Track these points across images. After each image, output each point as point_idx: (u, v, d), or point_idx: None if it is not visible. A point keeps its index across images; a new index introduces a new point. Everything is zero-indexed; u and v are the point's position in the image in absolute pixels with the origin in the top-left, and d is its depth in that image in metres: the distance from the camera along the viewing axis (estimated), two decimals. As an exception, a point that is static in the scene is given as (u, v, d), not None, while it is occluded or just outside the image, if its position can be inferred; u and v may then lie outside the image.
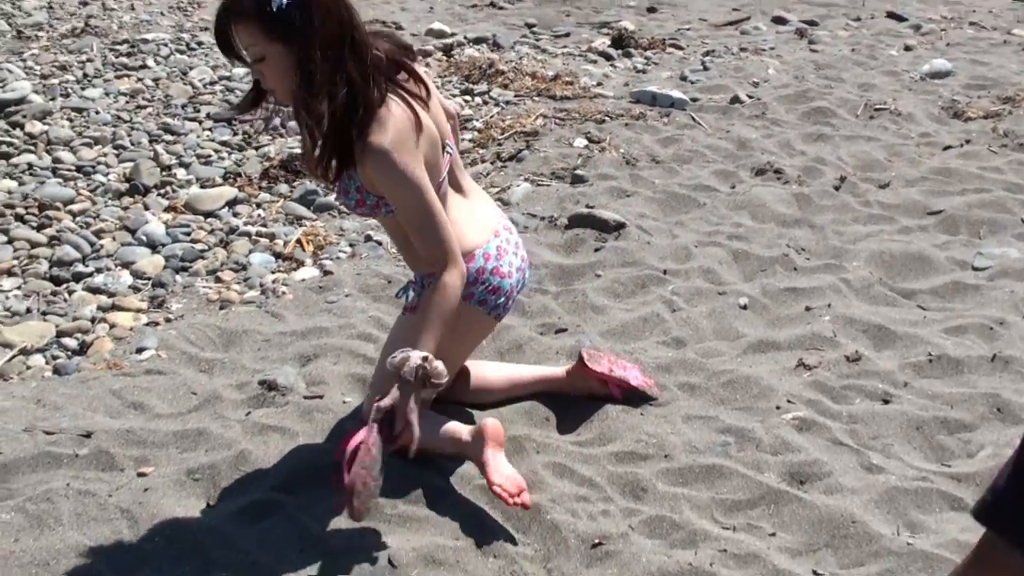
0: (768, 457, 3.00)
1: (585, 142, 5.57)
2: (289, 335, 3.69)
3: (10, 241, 4.35)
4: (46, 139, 5.27)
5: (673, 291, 4.00)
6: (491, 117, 6.02)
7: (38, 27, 7.38)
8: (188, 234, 4.53)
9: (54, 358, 3.63)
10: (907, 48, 7.82)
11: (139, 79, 6.21)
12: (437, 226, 2.66)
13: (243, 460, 2.94)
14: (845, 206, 4.82)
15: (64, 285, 4.13)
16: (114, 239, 4.45)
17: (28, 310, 3.92)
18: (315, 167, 2.65)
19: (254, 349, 3.63)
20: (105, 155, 5.19)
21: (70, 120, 5.52)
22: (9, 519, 2.68)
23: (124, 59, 6.57)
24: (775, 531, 2.73)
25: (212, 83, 6.24)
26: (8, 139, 5.20)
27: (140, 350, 3.59)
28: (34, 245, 4.35)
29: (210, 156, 5.27)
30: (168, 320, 3.87)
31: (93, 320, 3.86)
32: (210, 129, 5.59)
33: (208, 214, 4.75)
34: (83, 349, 3.69)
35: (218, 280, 4.20)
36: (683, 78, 6.89)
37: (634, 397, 3.27)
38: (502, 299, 2.91)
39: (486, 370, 3.24)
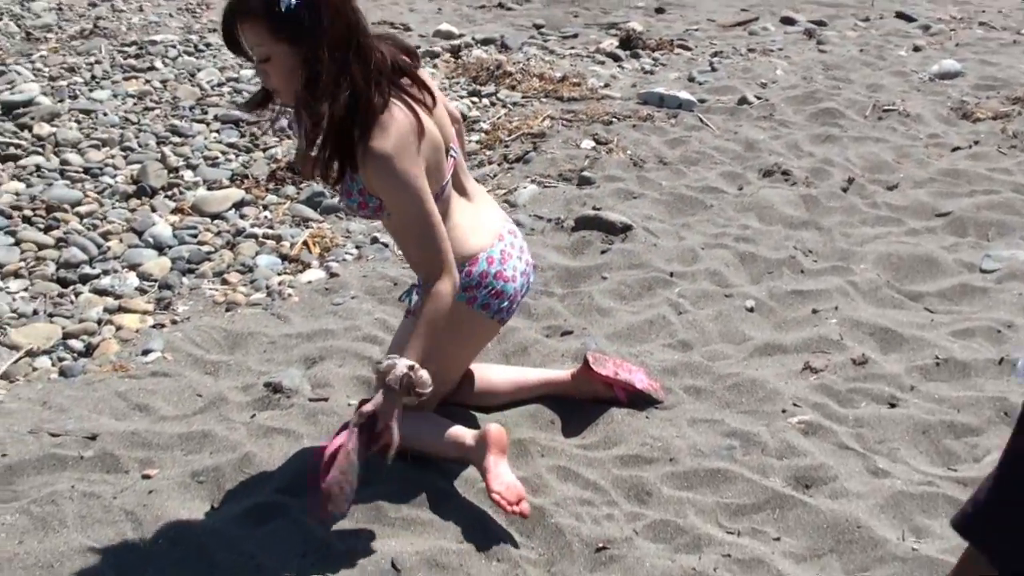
0: (773, 461, 2.99)
1: (592, 144, 5.56)
2: (295, 337, 3.70)
3: (17, 243, 4.36)
4: (54, 141, 5.28)
5: (679, 293, 3.99)
6: (498, 119, 6.02)
7: (47, 29, 7.39)
8: (195, 236, 4.53)
9: (60, 360, 3.64)
10: (916, 48, 7.79)
11: (147, 81, 6.23)
12: (433, 234, 2.65)
13: (247, 462, 2.94)
14: (853, 208, 4.81)
15: (71, 287, 4.13)
16: (121, 241, 4.46)
17: (35, 312, 3.93)
18: (311, 167, 2.65)
19: (259, 351, 3.63)
20: (113, 157, 5.20)
21: (78, 122, 5.53)
22: (14, 521, 2.69)
23: (132, 61, 6.58)
24: (780, 536, 2.72)
25: (220, 85, 6.25)
26: (16, 141, 5.21)
27: (146, 352, 3.60)
28: (41, 247, 4.36)
29: (217, 158, 5.28)
30: (174, 322, 3.87)
31: (99, 322, 3.87)
32: (217, 131, 5.60)
33: (215, 216, 4.75)
34: (89, 351, 3.69)
35: (224, 282, 4.20)
36: (691, 79, 6.88)
37: (639, 400, 3.27)
38: (505, 303, 2.91)
39: (491, 373, 3.23)
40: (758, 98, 6.39)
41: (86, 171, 5.04)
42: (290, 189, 5.03)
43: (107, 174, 5.03)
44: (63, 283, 4.16)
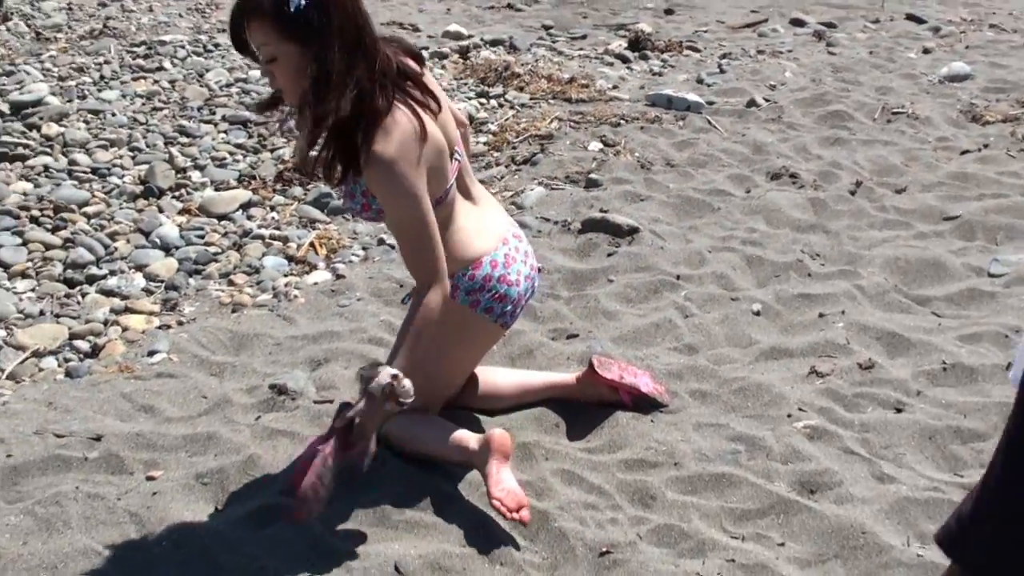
0: (778, 466, 2.98)
1: (600, 145, 5.55)
2: (300, 339, 3.70)
3: (25, 243, 4.37)
4: (62, 141, 5.29)
5: (686, 297, 3.98)
6: (506, 120, 6.01)
7: (57, 28, 7.41)
8: (202, 237, 4.54)
9: (66, 361, 3.65)
10: (926, 51, 7.77)
11: (155, 81, 6.24)
12: (428, 243, 2.65)
13: (252, 464, 2.94)
14: (861, 211, 4.79)
15: (78, 287, 4.14)
16: (128, 241, 4.47)
17: (41, 312, 3.94)
18: (312, 167, 2.65)
19: (265, 353, 3.63)
20: (120, 157, 5.21)
21: (86, 122, 5.54)
22: (18, 522, 2.69)
23: (141, 61, 6.59)
24: (784, 541, 2.71)
25: (228, 85, 6.26)
26: (25, 141, 5.22)
27: (151, 353, 3.60)
28: (48, 247, 4.37)
29: (225, 159, 5.28)
30: (180, 323, 3.88)
31: (106, 323, 3.88)
32: (225, 132, 5.61)
33: (222, 217, 4.76)
34: (95, 352, 3.70)
35: (231, 283, 4.20)
36: (699, 81, 6.87)
37: (644, 404, 3.26)
38: (509, 307, 2.91)
39: (496, 376, 3.23)
40: (767, 100, 6.38)
41: (94, 171, 5.04)
42: (297, 190, 5.03)
43: (115, 174, 5.04)
44: (70, 284, 4.17)
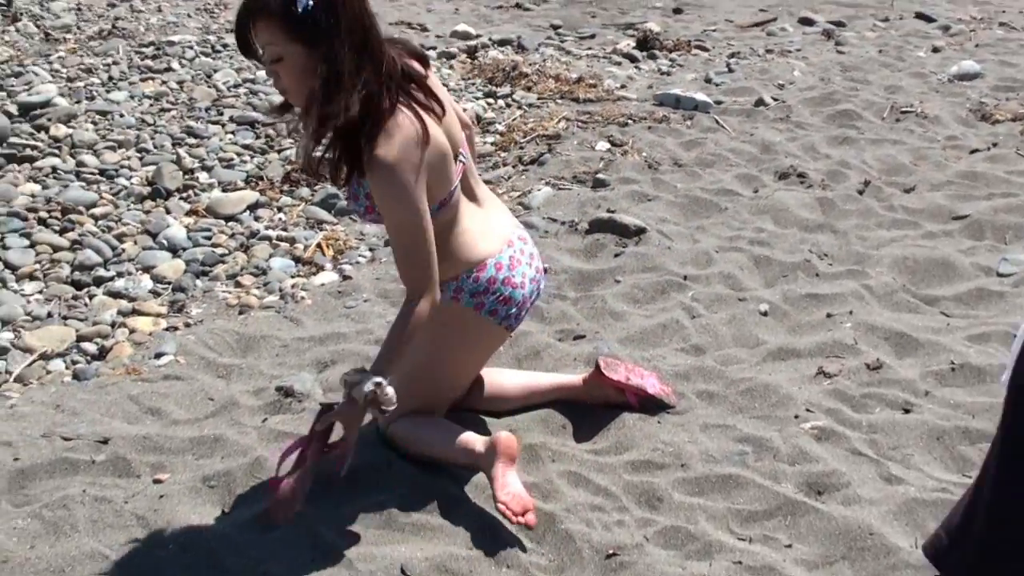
0: (786, 467, 2.97)
1: (607, 145, 5.54)
2: (307, 341, 3.70)
3: (32, 245, 4.38)
4: (70, 142, 5.30)
5: (693, 297, 3.97)
6: (514, 120, 6.00)
7: (66, 29, 7.43)
8: (209, 238, 4.54)
9: (74, 363, 3.65)
10: (935, 49, 7.74)
11: (163, 82, 6.24)
12: (423, 251, 2.65)
13: (259, 467, 2.94)
14: (869, 211, 4.78)
15: (85, 289, 4.15)
16: (135, 243, 4.47)
17: (49, 314, 3.94)
18: (318, 167, 2.64)
19: (272, 355, 3.63)
20: (128, 158, 5.21)
21: (94, 123, 5.55)
22: (25, 525, 2.70)
23: (149, 61, 6.60)
24: (791, 543, 2.70)
25: (236, 86, 6.26)
26: (33, 142, 5.23)
27: (159, 355, 3.61)
28: (56, 249, 4.38)
29: (232, 160, 5.28)
30: (187, 325, 3.88)
31: (113, 325, 3.88)
32: (233, 132, 5.61)
33: (229, 218, 4.76)
34: (102, 354, 3.71)
35: (238, 285, 4.21)
36: (708, 80, 6.86)
37: (651, 405, 3.25)
38: (514, 310, 2.90)
39: (502, 378, 3.23)
40: (775, 99, 6.36)
41: (102, 173, 5.05)
42: (304, 191, 5.03)
43: (122, 176, 5.04)
44: (77, 285, 4.17)
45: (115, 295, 4.09)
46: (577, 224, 4.60)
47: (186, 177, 5.06)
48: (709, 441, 3.10)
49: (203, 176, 5.11)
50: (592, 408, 3.23)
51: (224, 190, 4.99)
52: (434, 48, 7.44)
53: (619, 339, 3.68)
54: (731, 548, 2.67)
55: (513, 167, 5.39)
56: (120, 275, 4.23)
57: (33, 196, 4.76)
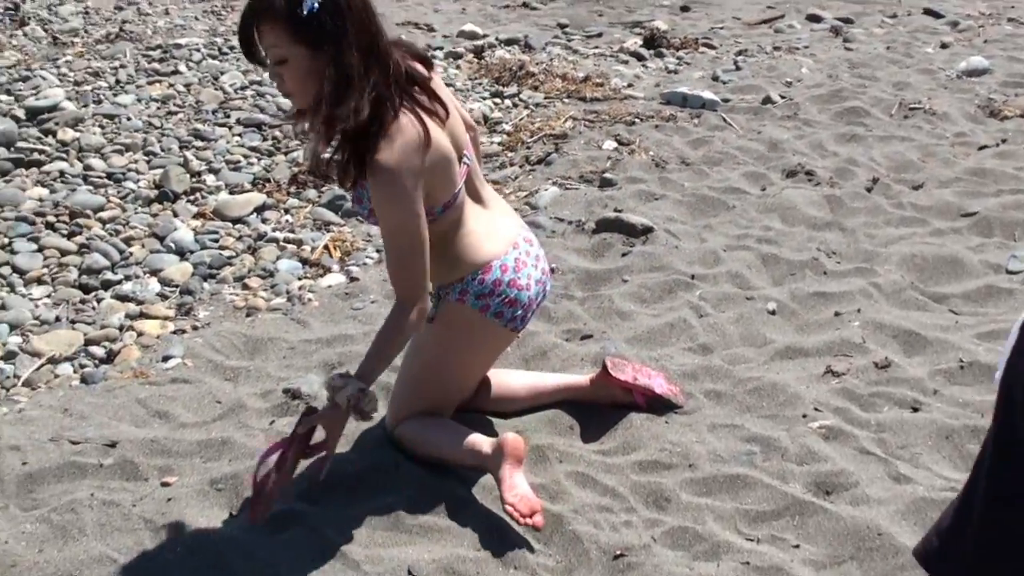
0: (794, 467, 2.96)
1: (614, 144, 5.53)
2: (314, 343, 3.70)
3: (40, 249, 4.38)
4: (78, 146, 5.30)
5: (700, 296, 3.96)
6: (520, 120, 6.00)
7: (74, 33, 7.44)
8: (216, 241, 4.54)
9: (82, 367, 3.65)
10: (944, 45, 7.71)
11: (171, 84, 6.25)
12: (417, 259, 2.65)
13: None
14: (877, 208, 4.76)
15: (93, 293, 4.15)
16: (143, 246, 4.47)
17: (57, 319, 3.95)
18: (324, 169, 2.64)
19: (279, 357, 3.64)
20: (136, 162, 5.22)
21: (102, 127, 5.56)
22: (34, 529, 2.70)
23: (156, 64, 6.61)
24: (799, 543, 2.69)
25: (243, 88, 6.27)
26: (40, 147, 5.24)
27: (166, 358, 3.61)
28: (64, 253, 4.38)
29: (239, 162, 5.29)
30: (195, 328, 3.89)
31: (121, 328, 3.88)
32: (240, 135, 5.62)
33: (236, 220, 4.76)
34: (110, 357, 3.71)
35: (245, 287, 4.21)
36: (715, 78, 6.84)
37: (659, 405, 3.25)
38: (519, 312, 2.89)
39: (509, 379, 3.22)
40: (782, 97, 6.35)
41: (109, 176, 5.05)
42: (311, 193, 5.03)
43: (130, 179, 5.05)
44: (85, 289, 4.18)
45: (123, 298, 4.09)
46: (584, 224, 4.59)
47: (193, 180, 5.07)
48: (717, 441, 3.09)
49: (210, 179, 5.11)
50: (599, 408, 3.23)
51: (231, 192, 5.00)
52: (441, 48, 7.43)
53: (626, 339, 3.67)
54: (739, 548, 2.66)
55: (520, 167, 5.39)
56: (128, 278, 4.23)
57: (41, 200, 4.77)
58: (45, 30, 7.47)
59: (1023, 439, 1.58)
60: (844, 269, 4.17)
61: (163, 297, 4.13)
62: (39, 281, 4.20)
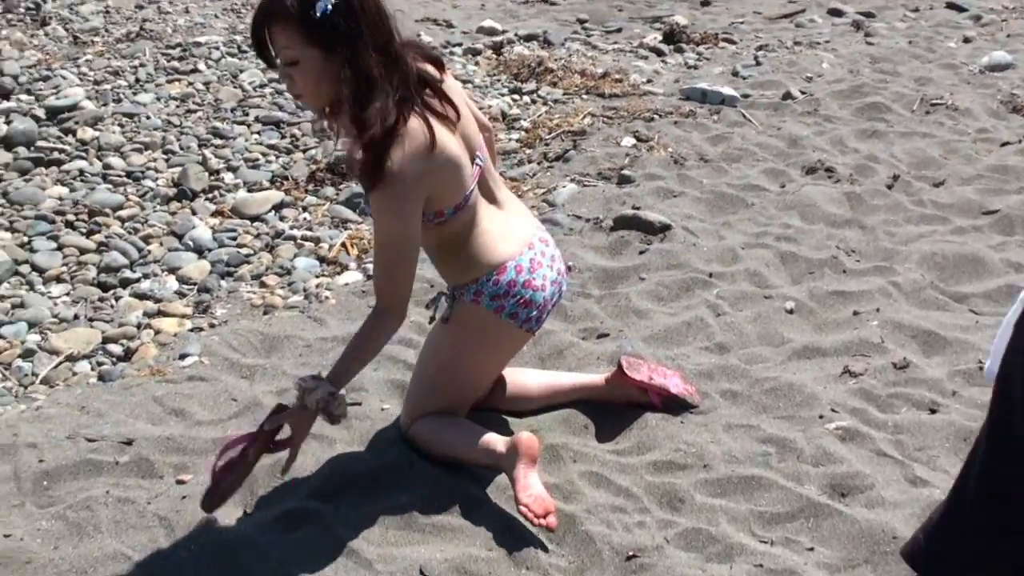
0: (809, 468, 2.94)
1: (633, 141, 5.52)
2: (330, 340, 3.70)
3: (60, 248, 4.41)
4: (97, 145, 5.33)
5: (718, 295, 3.94)
6: (539, 116, 5.99)
7: (94, 32, 7.47)
8: (234, 239, 4.56)
9: (99, 364, 3.67)
10: (966, 40, 7.65)
11: (190, 83, 6.27)
12: (403, 269, 2.68)
13: (280, 468, 2.94)
14: (897, 206, 4.73)
15: (111, 291, 4.17)
16: (161, 244, 4.49)
17: (76, 316, 3.97)
18: (355, 171, 2.63)
19: (295, 355, 3.64)
20: (155, 160, 5.24)
21: (121, 126, 5.58)
22: (49, 526, 2.72)
23: (176, 63, 6.63)
24: (813, 546, 2.68)
25: (262, 86, 6.28)
26: (60, 146, 5.27)
27: (183, 356, 3.62)
28: (83, 251, 4.40)
29: (257, 160, 5.30)
30: (212, 326, 3.90)
31: (139, 326, 3.90)
32: (258, 133, 5.63)
33: (254, 218, 4.78)
34: (128, 355, 3.73)
35: (262, 285, 4.22)
36: (735, 74, 6.81)
37: (674, 405, 3.23)
38: (534, 312, 2.88)
39: (524, 378, 3.22)
40: (803, 93, 6.32)
41: (128, 175, 5.08)
42: (329, 190, 5.04)
43: (149, 177, 5.07)
44: (104, 287, 4.20)
45: (141, 296, 4.11)
46: (602, 221, 4.58)
47: (212, 178, 5.08)
48: (732, 441, 3.08)
49: (228, 177, 5.13)
50: (614, 408, 3.22)
51: (249, 190, 5.01)
52: (460, 44, 7.43)
53: (643, 337, 3.66)
54: (752, 551, 2.64)
55: (538, 164, 5.38)
56: (146, 276, 4.26)
57: (60, 199, 4.79)
58: (66, 29, 7.50)
59: (1019, 436, 1.57)
60: (863, 267, 4.14)
61: (181, 295, 4.15)
62: (58, 279, 4.23)
